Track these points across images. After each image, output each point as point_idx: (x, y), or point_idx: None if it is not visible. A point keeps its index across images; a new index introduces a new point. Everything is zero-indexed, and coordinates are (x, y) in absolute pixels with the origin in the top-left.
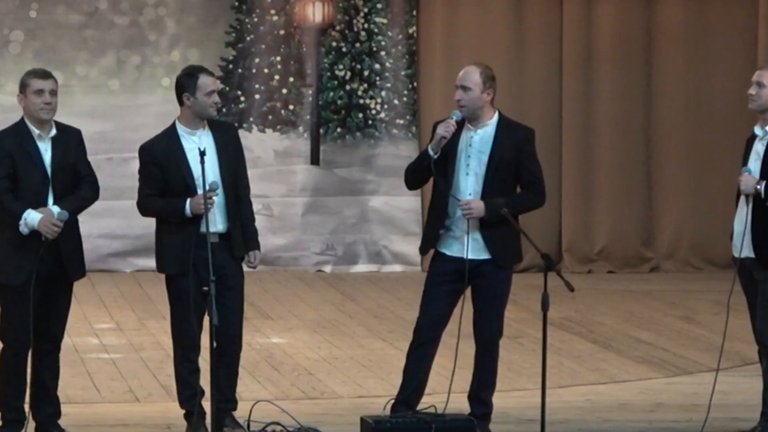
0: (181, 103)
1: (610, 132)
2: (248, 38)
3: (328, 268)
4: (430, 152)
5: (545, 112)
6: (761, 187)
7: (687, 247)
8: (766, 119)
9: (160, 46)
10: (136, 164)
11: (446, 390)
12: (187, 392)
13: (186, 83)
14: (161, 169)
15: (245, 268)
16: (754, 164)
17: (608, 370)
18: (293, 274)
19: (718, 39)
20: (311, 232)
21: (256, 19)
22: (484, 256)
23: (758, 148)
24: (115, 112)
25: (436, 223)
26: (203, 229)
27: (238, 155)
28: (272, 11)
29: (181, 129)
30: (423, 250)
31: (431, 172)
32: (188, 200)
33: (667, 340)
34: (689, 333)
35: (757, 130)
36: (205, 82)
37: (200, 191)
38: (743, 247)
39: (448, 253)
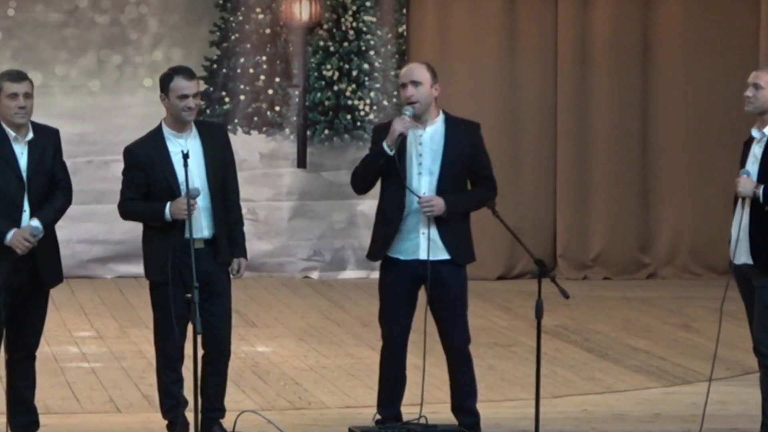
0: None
1: (607, 134)
2: (233, 37)
3: (315, 275)
4: (387, 150)
5: (540, 114)
6: (760, 190)
7: (685, 253)
8: (764, 121)
9: (142, 45)
10: (117, 167)
11: (436, 399)
12: (170, 402)
13: (162, 84)
14: (145, 172)
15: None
16: (752, 167)
17: (604, 379)
18: (279, 281)
19: (718, 39)
20: (298, 238)
21: (241, 18)
22: (442, 256)
23: (756, 150)
24: (96, 114)
25: (390, 226)
26: (188, 234)
27: (226, 158)
28: (258, 9)
29: (166, 131)
30: (375, 257)
31: (382, 173)
32: (168, 204)
33: (665, 348)
34: (688, 341)
35: (755, 133)
36: (178, 84)
37: (182, 205)
38: (740, 253)
39: (401, 257)
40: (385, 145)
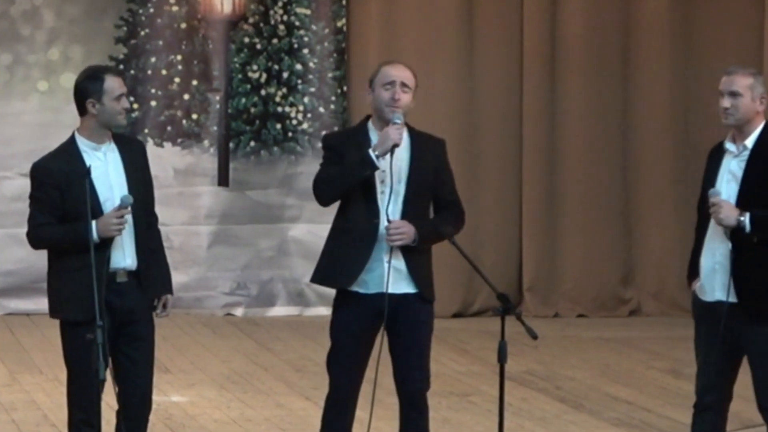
0: (83, 112)
1: (580, 148)
2: (142, 33)
3: (239, 312)
4: (375, 160)
5: (502, 126)
6: (746, 219)
7: (673, 286)
8: (744, 132)
9: (35, 42)
10: (8, 185)
11: None
12: None
13: (90, 88)
14: (60, 192)
15: None
16: (727, 186)
17: None
18: (197, 319)
19: (711, 38)
20: (219, 268)
21: (152, 10)
22: (407, 289)
23: (733, 167)
24: None
25: (359, 251)
26: (112, 264)
27: (146, 176)
28: (171, 1)
29: (82, 143)
30: (336, 285)
31: (359, 186)
32: (94, 222)
33: (649, 398)
34: (677, 390)
35: (729, 146)
36: (113, 84)
37: (112, 218)
38: (714, 289)
39: (361, 291)
40: (372, 154)
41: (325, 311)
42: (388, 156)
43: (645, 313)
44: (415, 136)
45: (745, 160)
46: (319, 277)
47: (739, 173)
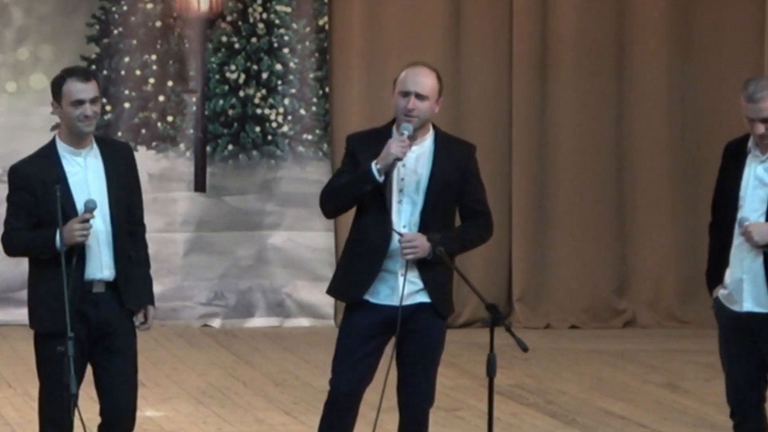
0: None
1: (573, 152)
2: (115, 32)
3: (216, 323)
4: (376, 174)
5: (491, 129)
6: None
7: (670, 296)
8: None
9: (3, 41)
10: None
11: None
12: None
13: (53, 90)
14: (35, 197)
15: None
16: (752, 193)
17: None
18: (173, 330)
19: (711, 35)
20: (195, 277)
21: (125, 8)
22: (421, 300)
23: (760, 172)
24: None
25: (370, 264)
26: (87, 275)
27: (132, 183)
28: None
29: (61, 147)
30: (347, 296)
31: (362, 199)
32: (57, 230)
33: (645, 413)
34: (674, 404)
35: (755, 150)
36: (70, 88)
37: (75, 224)
38: (745, 299)
39: (373, 300)
40: (374, 168)
41: (307, 323)
42: (400, 167)
43: (640, 324)
44: (441, 142)
45: None
46: (332, 289)
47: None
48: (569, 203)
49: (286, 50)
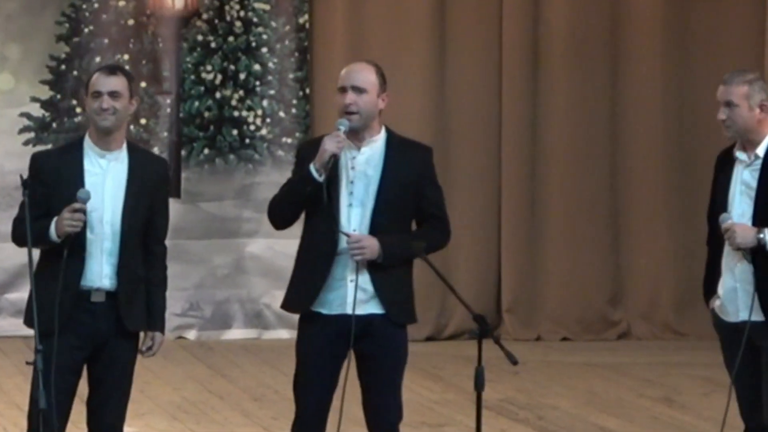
0: None
1: (565, 156)
2: (86, 30)
3: (191, 335)
4: (315, 174)
5: (479, 131)
6: (765, 236)
7: (666, 307)
8: (753, 140)
9: None
10: None
11: None
12: None
13: (84, 85)
14: (47, 189)
15: None
16: (740, 199)
17: None
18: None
19: (708, 32)
20: (170, 287)
21: (96, 5)
22: (374, 310)
23: (746, 177)
24: None
25: (317, 270)
26: (85, 282)
27: (158, 200)
28: None
29: (88, 145)
30: (296, 307)
31: (308, 203)
32: (54, 220)
33: (640, 429)
34: (670, 420)
35: (740, 154)
36: (93, 80)
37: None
38: (739, 309)
39: (324, 312)
40: (312, 168)
41: (286, 334)
42: (354, 157)
43: (635, 336)
44: (394, 144)
45: (758, 170)
46: (284, 301)
47: (753, 184)
48: (561, 209)
49: (264, 50)
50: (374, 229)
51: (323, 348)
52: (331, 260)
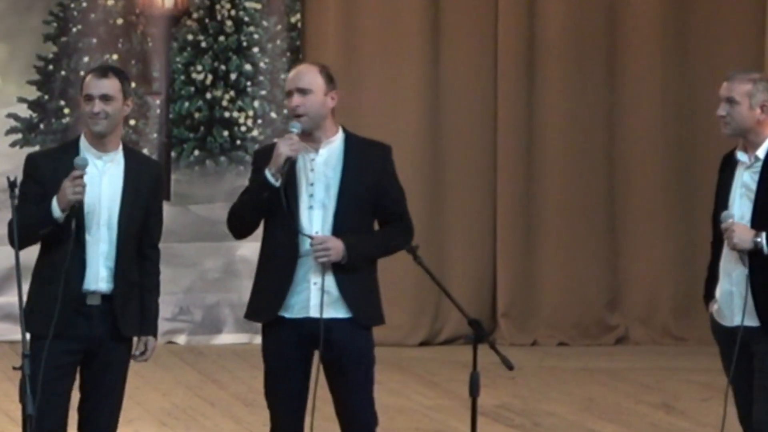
0: None
1: (562, 159)
2: (74, 30)
3: (181, 339)
4: (271, 179)
5: (474, 133)
6: (763, 239)
7: (664, 311)
8: (754, 142)
9: None
10: None
11: None
12: None
13: (80, 86)
14: (44, 189)
15: None
16: (740, 201)
17: None
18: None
19: (708, 33)
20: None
21: (84, 4)
22: (339, 314)
23: (746, 179)
24: None
25: (280, 277)
26: (85, 285)
27: (153, 204)
28: None
29: (84, 146)
30: (260, 316)
31: (267, 210)
32: (55, 199)
33: None
34: (668, 426)
35: (741, 156)
36: (85, 83)
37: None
38: (734, 313)
39: (287, 315)
40: (267, 173)
41: None
42: (312, 159)
43: (633, 341)
44: (352, 142)
45: (758, 172)
46: (247, 311)
47: (753, 186)
48: (558, 212)
49: (255, 49)
50: (337, 231)
51: (289, 354)
52: (294, 264)
